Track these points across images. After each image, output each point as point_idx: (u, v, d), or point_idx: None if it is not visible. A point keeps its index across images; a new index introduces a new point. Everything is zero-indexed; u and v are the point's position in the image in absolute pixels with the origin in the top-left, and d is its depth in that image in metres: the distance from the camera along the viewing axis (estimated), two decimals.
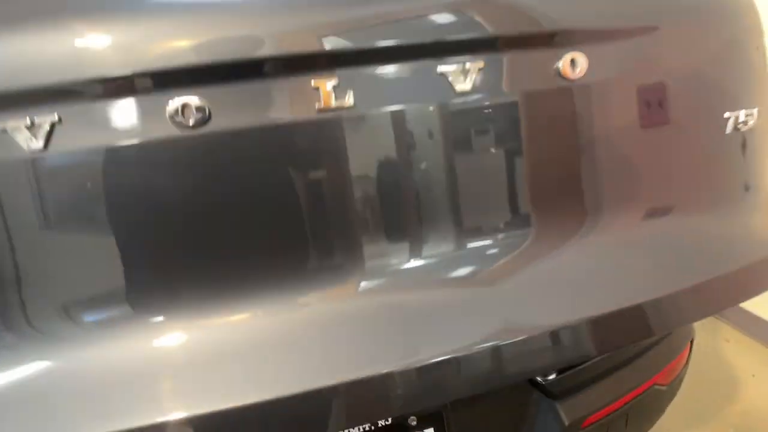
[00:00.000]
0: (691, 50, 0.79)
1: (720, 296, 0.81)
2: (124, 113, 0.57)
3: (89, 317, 0.60)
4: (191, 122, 0.57)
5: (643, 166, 0.78)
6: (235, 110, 0.59)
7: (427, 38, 0.64)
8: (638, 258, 0.78)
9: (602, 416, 0.99)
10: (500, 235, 0.71)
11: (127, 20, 0.58)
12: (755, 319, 2.21)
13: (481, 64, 0.65)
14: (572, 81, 0.69)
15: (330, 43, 0.60)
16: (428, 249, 0.68)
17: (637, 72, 0.75)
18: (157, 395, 0.57)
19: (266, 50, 0.58)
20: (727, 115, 0.80)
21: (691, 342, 1.32)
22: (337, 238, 0.65)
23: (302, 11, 0.61)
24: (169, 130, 0.57)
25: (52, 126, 0.55)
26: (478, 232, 0.70)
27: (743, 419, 1.83)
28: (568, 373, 0.98)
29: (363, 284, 0.66)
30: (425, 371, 0.61)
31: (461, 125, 0.67)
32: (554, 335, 0.67)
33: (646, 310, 0.72)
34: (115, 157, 0.57)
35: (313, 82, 0.60)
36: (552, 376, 0.96)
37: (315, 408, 0.59)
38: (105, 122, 0.57)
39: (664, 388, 1.18)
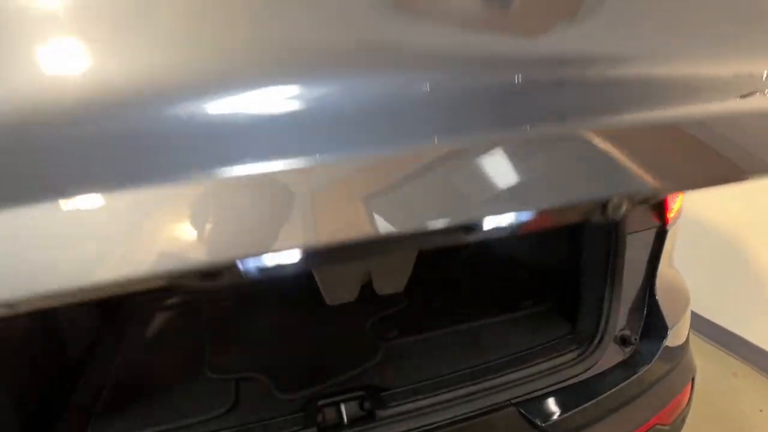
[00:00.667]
0: None
1: None
2: None
3: None
4: None
5: None
6: None
7: None
8: None
9: None
10: None
11: None
12: (764, 354, 2.21)
13: None
14: None
15: None
16: None
17: None
18: None
19: None
20: None
21: (693, 379, 1.35)
22: None
23: None
24: None
25: None
26: None
27: None
28: (568, 414, 1.02)
29: None
30: None
31: None
32: None
33: None
34: None
35: None
36: (552, 418, 1.00)
37: None
38: None
39: (666, 427, 1.21)
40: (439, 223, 0.48)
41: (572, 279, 1.32)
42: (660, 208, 1.19)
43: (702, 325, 2.48)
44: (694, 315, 1.41)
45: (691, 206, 2.35)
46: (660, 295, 1.26)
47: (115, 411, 1.15)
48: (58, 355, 1.30)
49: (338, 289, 1.42)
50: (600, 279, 1.22)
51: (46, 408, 1.16)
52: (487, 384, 1.12)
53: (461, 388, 1.11)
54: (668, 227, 1.21)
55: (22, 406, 1.08)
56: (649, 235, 1.21)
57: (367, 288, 1.46)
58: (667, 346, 1.23)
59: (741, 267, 2.28)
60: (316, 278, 1.36)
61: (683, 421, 1.29)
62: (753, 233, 2.22)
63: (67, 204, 0.41)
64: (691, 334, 1.37)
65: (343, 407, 1.10)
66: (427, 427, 1.02)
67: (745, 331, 2.32)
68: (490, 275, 1.63)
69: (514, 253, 1.70)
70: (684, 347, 1.32)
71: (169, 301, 1.69)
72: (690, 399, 1.32)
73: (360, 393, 1.12)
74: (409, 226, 0.47)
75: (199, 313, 1.57)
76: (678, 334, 1.28)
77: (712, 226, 2.36)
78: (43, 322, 1.25)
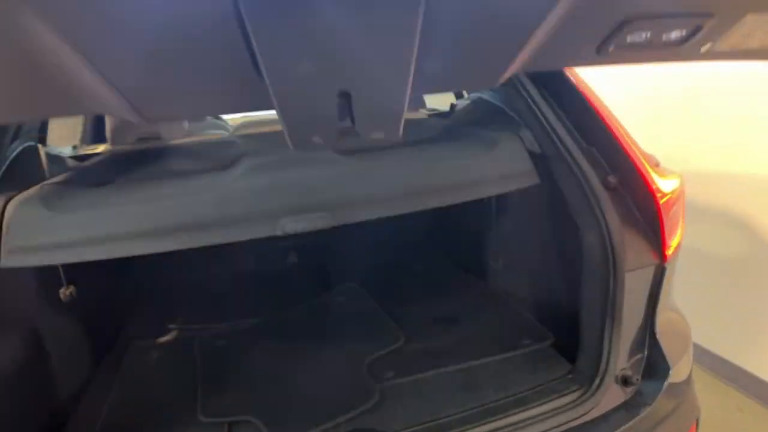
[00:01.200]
0: None
1: None
2: None
3: None
4: None
5: None
6: None
7: None
8: None
9: None
10: None
11: None
12: None
13: None
14: None
15: None
16: None
17: None
18: None
19: None
20: None
21: (697, 421, 1.31)
22: None
23: None
24: None
25: None
26: None
27: None
28: None
29: None
30: None
31: None
32: None
33: None
34: None
35: None
36: None
37: None
38: None
39: None
40: None
41: (572, 317, 1.30)
42: (658, 245, 1.18)
43: (704, 357, 2.43)
44: (695, 346, 1.38)
45: (692, 235, 2.33)
46: (661, 332, 1.24)
47: None
48: (49, 394, 1.27)
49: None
50: (599, 317, 1.20)
51: None
52: (486, 428, 1.09)
53: None
54: (667, 264, 1.20)
55: None
56: (648, 273, 1.20)
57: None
58: (669, 385, 1.21)
59: (744, 297, 2.25)
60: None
61: None
62: (756, 263, 2.20)
63: None
64: (693, 366, 1.34)
65: None
66: None
67: (749, 363, 2.28)
68: (488, 313, 1.61)
69: (513, 290, 1.68)
70: (687, 385, 1.29)
71: (163, 339, 1.66)
72: None
73: None
74: None
75: (191, 352, 1.54)
76: (680, 371, 1.26)
77: (714, 255, 2.35)
78: (34, 359, 1.22)
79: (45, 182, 1.25)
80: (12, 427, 1.08)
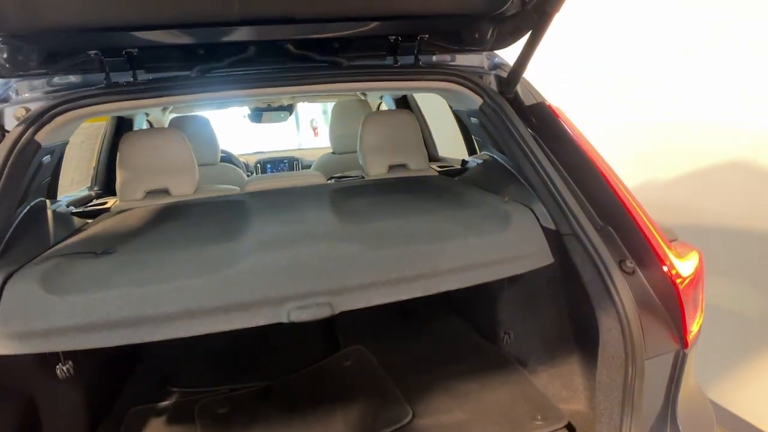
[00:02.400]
0: None
1: None
2: None
3: None
4: None
5: None
6: None
7: None
8: None
9: None
10: None
11: None
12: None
13: None
14: None
15: None
16: None
17: None
18: None
19: None
20: None
21: None
22: None
23: None
24: None
25: None
26: None
27: None
28: None
29: None
30: None
31: None
32: None
33: None
34: None
35: None
36: None
37: None
38: None
39: None
40: None
41: (587, 400, 1.24)
42: (679, 331, 1.13)
43: (721, 416, 2.33)
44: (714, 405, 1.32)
45: (712, 293, 2.27)
46: (682, 419, 1.18)
47: None
48: None
49: None
50: (618, 404, 1.14)
51: None
52: None
53: None
54: (688, 351, 1.14)
55: None
56: (668, 359, 1.14)
57: None
58: None
59: (763, 355, 2.16)
60: None
61: None
62: None
63: None
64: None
65: None
66: None
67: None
68: (500, 384, 1.54)
69: (525, 363, 1.62)
70: None
71: (162, 405, 1.61)
72: None
73: None
74: None
75: (192, 420, 1.49)
76: None
77: (732, 312, 2.27)
78: (28, 429, 1.19)
79: (47, 252, 1.24)
80: None
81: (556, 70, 2.67)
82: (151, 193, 1.81)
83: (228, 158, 3.52)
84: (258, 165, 4.08)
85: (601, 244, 1.14)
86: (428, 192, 1.69)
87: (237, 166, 3.37)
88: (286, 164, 4.03)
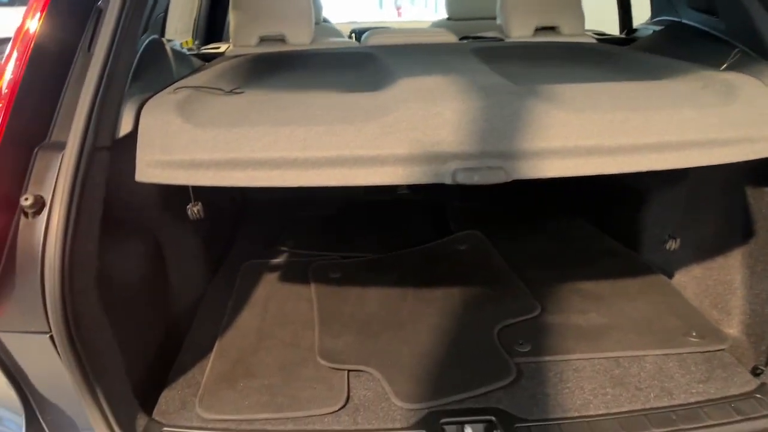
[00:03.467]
0: None
1: None
2: None
3: None
4: None
5: None
6: None
7: None
8: None
9: None
10: None
11: None
12: None
13: None
14: None
15: None
16: None
17: None
18: None
19: None
20: None
21: None
22: None
23: None
24: None
25: None
26: None
27: None
28: None
29: None
30: None
31: None
32: None
33: None
34: None
35: None
36: None
37: None
38: None
39: None
40: None
41: (759, 321, 1.05)
42: None
43: None
44: None
45: None
46: None
47: (222, 386, 1.07)
48: (166, 306, 1.24)
49: None
50: None
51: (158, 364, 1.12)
52: None
53: None
54: None
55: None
56: None
57: None
58: None
59: None
60: None
61: None
62: None
63: None
64: None
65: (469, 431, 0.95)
66: None
67: None
68: (643, 294, 1.36)
69: (678, 274, 1.42)
70: None
71: (275, 262, 1.59)
72: None
73: (490, 418, 0.97)
74: None
75: (306, 281, 1.46)
76: None
77: None
78: (155, 270, 1.18)
79: (175, 84, 1.14)
80: (135, 334, 1.05)
81: None
82: (266, 40, 1.66)
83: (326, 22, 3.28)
84: (353, 34, 3.80)
85: None
86: (602, 58, 1.41)
87: None
88: None
